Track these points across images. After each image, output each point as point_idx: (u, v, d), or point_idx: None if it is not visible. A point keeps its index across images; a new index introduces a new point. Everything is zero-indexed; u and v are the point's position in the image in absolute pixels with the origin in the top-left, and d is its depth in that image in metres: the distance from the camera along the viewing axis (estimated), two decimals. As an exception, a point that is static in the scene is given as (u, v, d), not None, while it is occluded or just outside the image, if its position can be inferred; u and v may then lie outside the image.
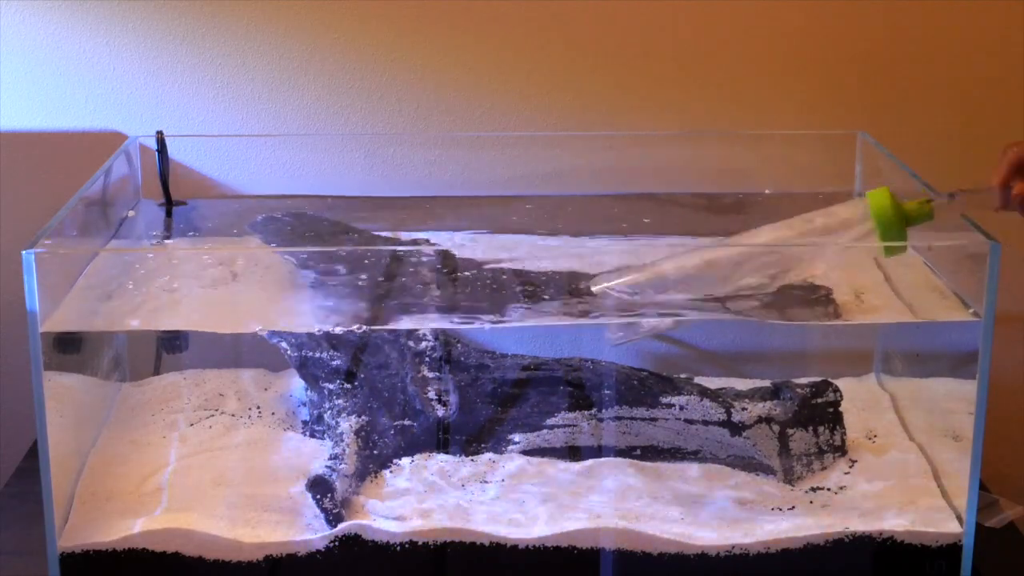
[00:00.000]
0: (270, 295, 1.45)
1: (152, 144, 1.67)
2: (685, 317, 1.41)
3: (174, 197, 1.69)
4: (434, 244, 1.56)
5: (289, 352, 1.56)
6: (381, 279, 1.41)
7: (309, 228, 1.60)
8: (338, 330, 1.48)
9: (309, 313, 1.43)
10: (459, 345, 1.56)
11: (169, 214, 1.68)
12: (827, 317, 1.43)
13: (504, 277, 1.48)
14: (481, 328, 1.41)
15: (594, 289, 1.40)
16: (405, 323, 1.41)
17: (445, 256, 1.49)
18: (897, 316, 1.48)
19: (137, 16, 1.70)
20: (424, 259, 1.46)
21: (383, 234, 1.60)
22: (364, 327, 1.43)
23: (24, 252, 1.28)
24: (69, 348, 1.45)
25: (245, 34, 1.71)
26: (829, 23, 1.72)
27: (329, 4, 1.71)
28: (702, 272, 1.37)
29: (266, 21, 1.71)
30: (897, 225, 1.32)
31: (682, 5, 1.72)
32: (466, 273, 1.47)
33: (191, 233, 1.66)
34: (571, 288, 1.43)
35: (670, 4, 1.72)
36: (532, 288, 1.44)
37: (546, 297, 1.43)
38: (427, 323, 1.47)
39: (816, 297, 1.44)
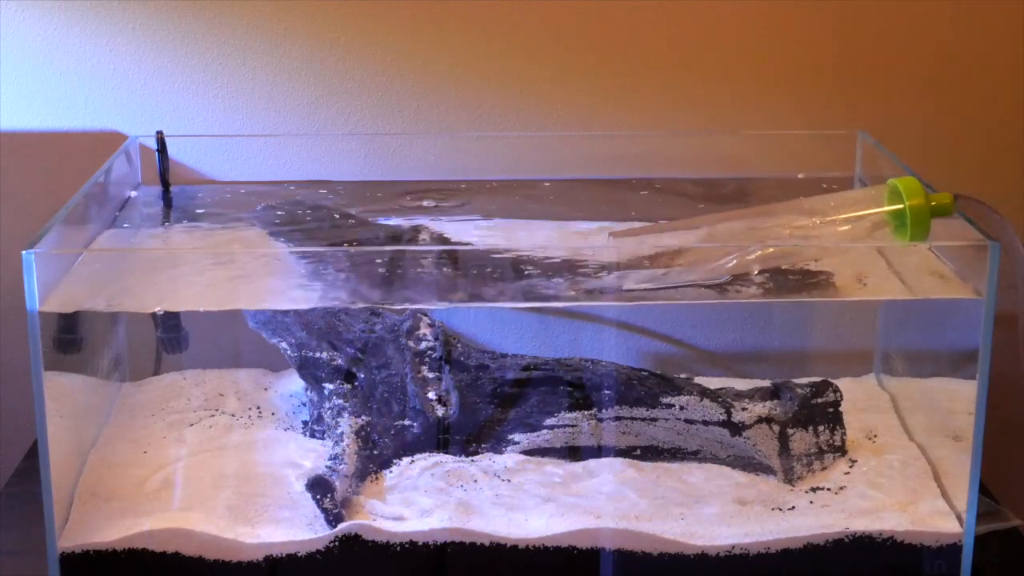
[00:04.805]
0: (267, 280, 1.44)
1: (152, 144, 1.67)
2: (684, 300, 1.41)
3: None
4: (433, 231, 1.55)
5: (289, 352, 1.56)
6: (379, 263, 1.40)
7: (308, 216, 1.60)
8: (335, 307, 1.48)
9: (304, 296, 1.42)
10: (459, 345, 1.56)
11: (168, 204, 1.67)
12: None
13: (503, 262, 1.47)
14: (478, 309, 1.40)
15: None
16: (401, 304, 1.40)
17: (443, 242, 1.49)
18: (897, 294, 1.47)
19: (137, 16, 1.70)
20: (422, 245, 1.46)
21: (381, 221, 1.60)
22: (359, 305, 1.42)
23: (24, 252, 1.28)
24: (69, 348, 1.45)
25: (245, 34, 1.71)
26: (829, 23, 1.73)
27: (329, 4, 1.71)
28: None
29: (266, 21, 1.71)
30: (926, 216, 1.33)
31: (682, 5, 1.72)
32: (465, 259, 1.45)
33: (190, 221, 1.65)
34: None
35: (670, 4, 1.72)
36: (532, 273, 1.43)
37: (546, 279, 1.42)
38: (424, 304, 1.47)
39: (816, 281, 1.43)
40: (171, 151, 1.68)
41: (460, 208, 1.65)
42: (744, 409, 1.48)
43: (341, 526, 1.36)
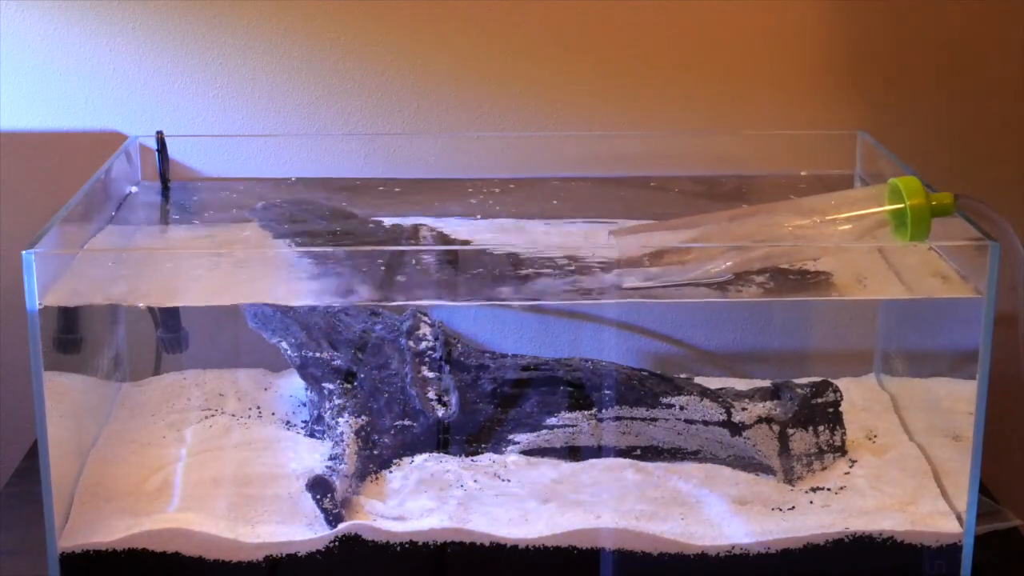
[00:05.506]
0: (267, 278, 1.44)
1: (152, 144, 1.67)
2: (684, 300, 1.40)
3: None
4: (433, 229, 1.55)
5: (289, 352, 1.56)
6: (378, 263, 1.40)
7: (308, 214, 1.60)
8: (332, 306, 1.49)
9: (304, 295, 1.42)
10: (459, 345, 1.56)
11: (166, 198, 1.67)
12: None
13: (503, 261, 1.47)
14: (478, 309, 1.39)
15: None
16: (401, 303, 1.41)
17: (443, 241, 1.49)
18: (897, 293, 1.47)
19: (137, 16, 1.70)
20: (422, 243, 1.46)
21: (381, 219, 1.60)
22: (356, 302, 1.42)
23: (24, 252, 1.28)
24: (69, 347, 1.45)
25: (245, 34, 1.71)
26: (829, 23, 1.72)
27: (329, 4, 1.71)
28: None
29: (266, 21, 1.71)
30: (926, 215, 1.33)
31: (682, 5, 1.72)
32: (464, 258, 1.45)
33: (189, 217, 1.65)
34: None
35: (670, 4, 1.72)
36: (531, 271, 1.43)
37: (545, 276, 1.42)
38: (423, 304, 1.47)
39: (815, 281, 1.43)
40: (171, 151, 1.68)
41: (460, 207, 1.64)
42: (744, 409, 1.48)
43: (341, 526, 1.36)
